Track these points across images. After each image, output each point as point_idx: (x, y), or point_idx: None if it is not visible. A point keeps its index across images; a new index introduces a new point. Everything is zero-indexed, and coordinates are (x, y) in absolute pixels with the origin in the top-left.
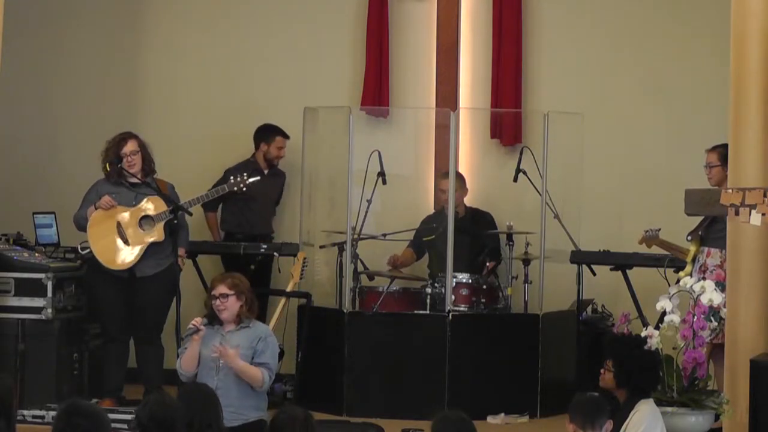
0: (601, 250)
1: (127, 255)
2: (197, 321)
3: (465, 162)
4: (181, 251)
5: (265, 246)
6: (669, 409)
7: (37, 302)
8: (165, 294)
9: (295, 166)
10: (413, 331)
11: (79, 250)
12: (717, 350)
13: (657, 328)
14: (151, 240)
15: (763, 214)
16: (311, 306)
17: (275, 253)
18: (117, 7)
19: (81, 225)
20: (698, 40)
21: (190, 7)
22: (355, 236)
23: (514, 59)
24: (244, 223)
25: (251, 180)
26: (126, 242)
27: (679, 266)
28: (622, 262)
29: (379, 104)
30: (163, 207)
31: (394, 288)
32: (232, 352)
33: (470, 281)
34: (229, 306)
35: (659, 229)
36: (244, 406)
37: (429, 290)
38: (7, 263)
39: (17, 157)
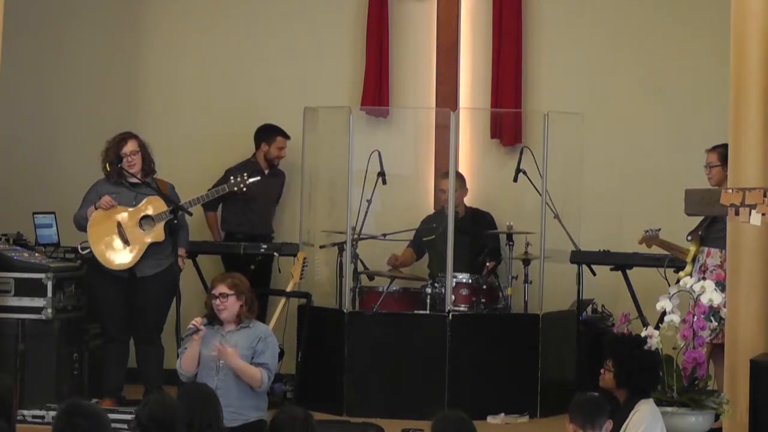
0: (601, 250)
1: (127, 255)
2: (197, 321)
3: (465, 162)
4: (182, 251)
5: (265, 246)
6: (669, 409)
7: (37, 302)
8: (165, 294)
9: (295, 166)
10: (413, 331)
11: (79, 250)
12: (717, 350)
13: (657, 328)
14: (151, 240)
15: (763, 214)
16: (311, 306)
17: (275, 253)
18: (117, 7)
19: (81, 225)
20: (698, 40)
21: (190, 7)
22: (355, 236)
23: (514, 59)
24: (244, 222)
25: (251, 180)
26: (126, 242)
27: (679, 266)
28: (622, 262)
29: (379, 104)
30: (163, 207)
31: (394, 288)
32: (231, 350)
33: (470, 281)
34: (229, 306)
35: (659, 229)
36: (244, 406)
37: (429, 290)
38: (7, 263)
39: (17, 157)
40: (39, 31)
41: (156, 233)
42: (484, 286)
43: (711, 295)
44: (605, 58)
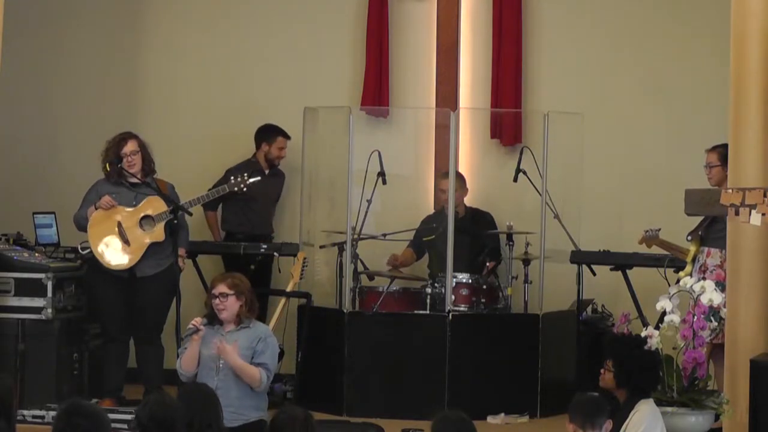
0: (601, 250)
1: (127, 255)
2: (197, 321)
3: (465, 162)
4: (182, 251)
5: (265, 246)
6: (669, 409)
7: (37, 302)
8: (165, 294)
9: (295, 166)
10: (413, 331)
11: (79, 250)
12: (717, 350)
13: (657, 328)
14: (151, 240)
15: (763, 214)
16: (311, 306)
17: (275, 253)
18: (117, 7)
19: (81, 225)
20: (698, 40)
21: (190, 7)
22: (355, 236)
23: (514, 59)
24: (244, 222)
25: (252, 180)
26: (126, 242)
27: (679, 266)
28: (622, 262)
29: (379, 104)
30: (163, 207)
31: (394, 288)
32: (230, 347)
33: (470, 281)
34: (229, 306)
35: (659, 229)
36: (244, 406)
37: (429, 290)
38: (7, 263)
39: (17, 157)
40: (39, 31)
41: (156, 233)
42: (484, 286)
43: (711, 295)
44: (605, 58)
